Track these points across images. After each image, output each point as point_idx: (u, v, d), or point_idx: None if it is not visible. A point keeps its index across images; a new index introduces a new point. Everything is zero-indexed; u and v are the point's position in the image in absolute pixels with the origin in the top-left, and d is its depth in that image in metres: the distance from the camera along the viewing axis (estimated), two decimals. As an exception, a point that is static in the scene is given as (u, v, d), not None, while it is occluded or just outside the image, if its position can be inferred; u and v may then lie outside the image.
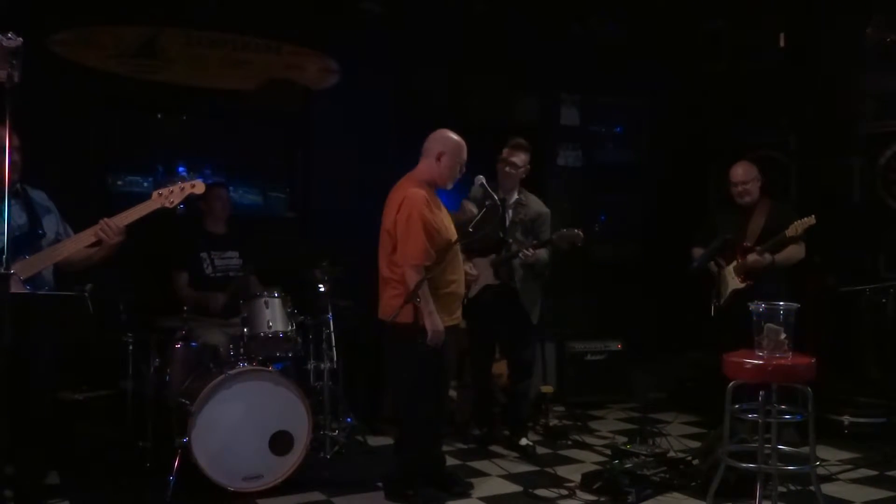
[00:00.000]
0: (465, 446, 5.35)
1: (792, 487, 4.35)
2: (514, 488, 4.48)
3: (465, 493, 4.34)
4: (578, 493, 4.36)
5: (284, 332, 4.72)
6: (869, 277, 5.78)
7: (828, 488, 4.29)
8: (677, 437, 5.33)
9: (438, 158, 4.21)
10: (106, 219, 3.74)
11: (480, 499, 4.31)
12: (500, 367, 5.58)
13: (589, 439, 5.53)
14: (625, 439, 5.30)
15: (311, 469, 4.58)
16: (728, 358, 3.77)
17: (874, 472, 4.73)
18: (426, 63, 6.53)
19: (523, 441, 5.24)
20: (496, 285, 5.17)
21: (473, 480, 4.58)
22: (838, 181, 6.38)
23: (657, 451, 4.68)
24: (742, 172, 5.34)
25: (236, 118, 6.09)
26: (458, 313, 4.34)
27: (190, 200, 3.94)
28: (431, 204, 4.15)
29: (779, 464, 3.79)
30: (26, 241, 3.70)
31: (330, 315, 5.15)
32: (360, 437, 5.28)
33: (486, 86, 6.79)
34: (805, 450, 3.82)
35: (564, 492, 4.39)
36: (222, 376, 4.29)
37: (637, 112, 7.51)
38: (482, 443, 5.37)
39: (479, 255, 5.18)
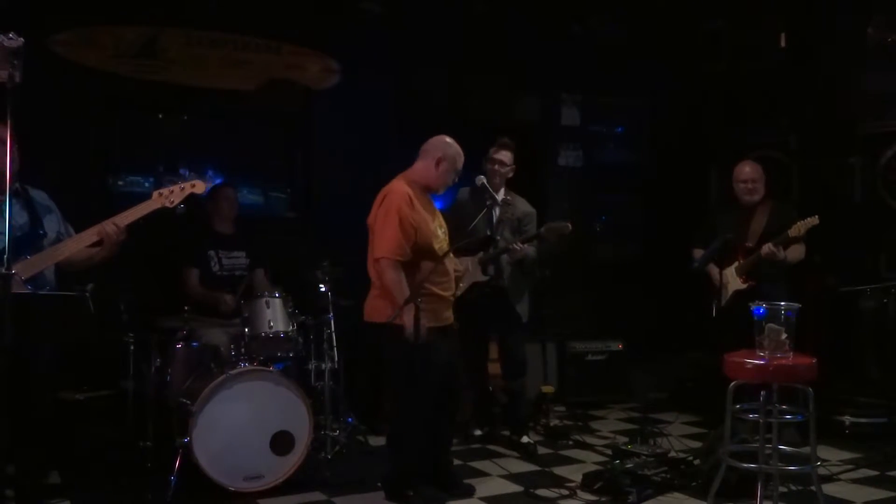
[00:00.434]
0: (466, 446, 5.35)
1: (793, 487, 4.35)
2: (514, 488, 4.48)
3: (467, 495, 4.33)
4: (579, 493, 4.36)
5: (285, 332, 4.73)
6: (870, 277, 5.78)
7: (829, 488, 4.29)
8: (678, 437, 5.33)
9: (437, 164, 4.23)
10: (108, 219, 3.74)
11: (481, 499, 4.31)
12: (499, 367, 5.59)
13: (590, 439, 5.53)
14: (625, 439, 5.30)
15: (311, 469, 4.58)
16: (729, 358, 3.77)
17: (875, 473, 4.73)
18: (427, 63, 6.53)
19: (524, 439, 5.25)
20: (484, 283, 5.19)
21: (474, 480, 4.58)
22: (839, 181, 6.38)
23: (658, 451, 4.68)
24: (750, 170, 5.35)
25: (237, 118, 6.09)
26: (447, 314, 4.31)
27: (198, 200, 3.93)
28: (415, 202, 4.14)
29: (780, 464, 3.79)
30: (27, 241, 3.70)
31: (331, 315, 5.15)
32: (360, 438, 5.28)
33: (486, 86, 6.80)
34: (806, 450, 3.82)
35: (565, 492, 4.39)
36: (223, 376, 4.29)
37: (638, 112, 7.51)
38: (483, 443, 5.37)
39: (465, 254, 5.18)
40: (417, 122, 6.27)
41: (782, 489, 4.20)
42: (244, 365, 4.42)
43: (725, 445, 3.84)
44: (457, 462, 4.99)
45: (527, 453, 5.14)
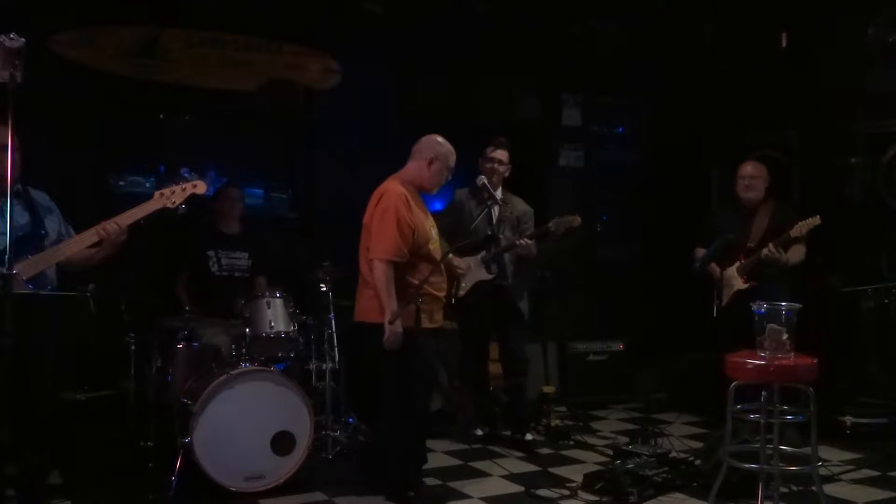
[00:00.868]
0: (467, 446, 5.34)
1: (794, 488, 4.35)
2: (515, 488, 4.48)
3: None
4: (580, 493, 4.36)
5: (286, 333, 4.73)
6: (871, 278, 5.77)
7: (830, 489, 4.28)
8: (679, 437, 5.33)
9: (430, 164, 4.24)
10: (109, 219, 3.74)
11: (482, 499, 4.31)
12: (501, 367, 5.59)
13: (591, 439, 5.53)
14: (626, 439, 5.31)
15: (312, 469, 4.57)
16: (730, 358, 3.77)
17: (876, 473, 4.72)
18: (427, 63, 6.53)
19: (528, 436, 5.25)
20: (488, 281, 5.18)
21: (475, 480, 4.59)
22: (840, 181, 6.37)
23: (659, 451, 4.68)
24: (751, 169, 5.38)
25: (238, 118, 6.09)
26: (439, 316, 4.32)
27: (203, 200, 3.93)
28: (411, 202, 4.15)
29: (781, 464, 3.79)
30: (28, 241, 3.71)
31: (332, 315, 5.15)
32: (361, 438, 5.28)
33: (487, 86, 6.79)
34: (807, 450, 3.82)
35: (566, 492, 4.39)
36: (224, 376, 4.29)
37: (639, 112, 7.50)
38: (484, 443, 5.37)
39: (467, 253, 5.18)
40: (418, 123, 6.26)
41: (783, 489, 4.19)
42: (245, 365, 4.42)
43: (726, 446, 3.83)
44: (457, 462, 5.00)
45: (530, 451, 5.14)
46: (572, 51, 6.96)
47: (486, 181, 5.06)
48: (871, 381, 5.80)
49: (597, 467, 4.76)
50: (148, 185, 5.84)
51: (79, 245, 3.75)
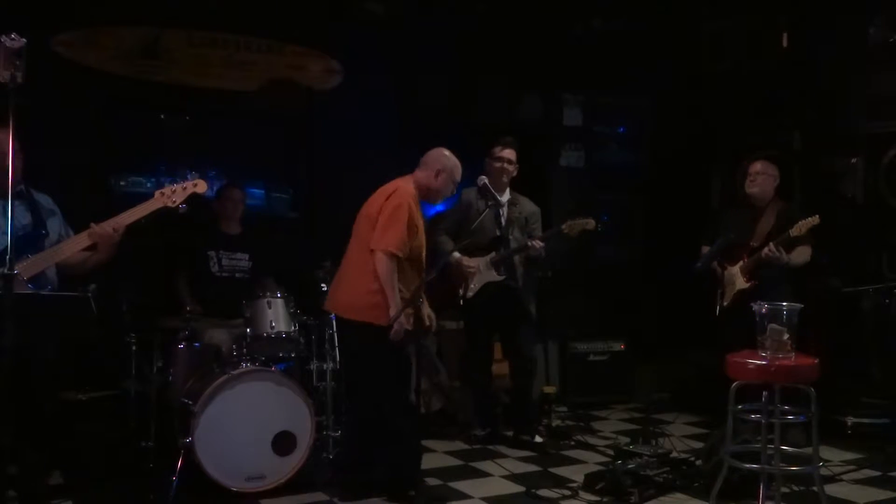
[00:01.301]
0: (468, 447, 5.34)
1: (795, 488, 4.34)
2: (516, 488, 4.48)
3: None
4: (581, 493, 4.36)
5: (287, 333, 4.73)
6: (872, 278, 5.77)
7: (831, 489, 4.28)
8: (680, 437, 5.33)
9: (437, 175, 4.28)
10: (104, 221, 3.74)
11: (483, 499, 4.31)
12: (503, 368, 5.58)
13: (592, 440, 5.53)
14: (627, 440, 5.30)
15: (313, 469, 4.57)
16: (731, 358, 3.77)
17: (877, 473, 4.72)
18: (429, 64, 6.53)
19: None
20: (498, 282, 5.18)
21: (475, 481, 4.59)
22: (841, 182, 6.37)
23: (660, 451, 4.67)
24: (760, 165, 5.34)
25: (239, 119, 6.09)
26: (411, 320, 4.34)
27: (204, 200, 3.93)
28: (416, 206, 4.22)
29: (782, 464, 3.79)
30: (29, 240, 3.71)
31: (333, 315, 5.15)
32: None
33: (488, 86, 6.79)
34: (808, 450, 3.81)
35: (567, 492, 4.38)
36: (225, 376, 4.29)
37: (640, 112, 7.50)
38: (484, 443, 5.37)
39: (476, 254, 5.18)
40: (419, 123, 6.29)
41: (784, 490, 4.19)
42: (246, 365, 4.42)
43: (727, 446, 3.83)
44: (458, 462, 5.00)
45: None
46: (573, 51, 6.95)
47: (486, 182, 5.06)
48: (872, 382, 5.80)
49: (598, 467, 4.75)
50: (149, 184, 5.84)
51: (75, 246, 3.75)
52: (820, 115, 6.52)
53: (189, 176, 3.97)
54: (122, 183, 5.83)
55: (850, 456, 5.05)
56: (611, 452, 5.03)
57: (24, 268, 3.55)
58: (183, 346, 4.71)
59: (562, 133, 7.21)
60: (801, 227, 4.87)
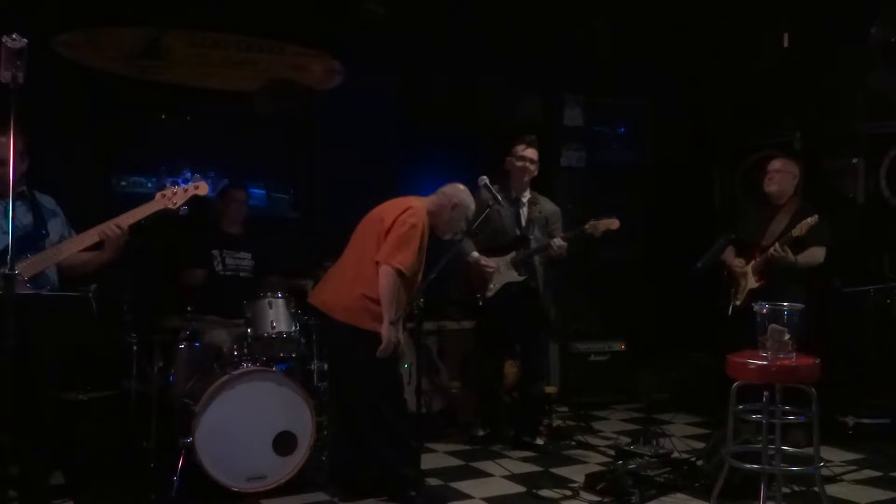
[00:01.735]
0: (469, 447, 5.34)
1: (796, 488, 4.34)
2: (517, 489, 4.48)
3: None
4: (582, 493, 4.36)
5: (288, 333, 4.73)
6: (873, 278, 5.77)
7: (832, 489, 4.28)
8: (681, 437, 5.33)
9: (453, 207, 4.30)
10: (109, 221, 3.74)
11: (484, 499, 4.31)
12: (507, 368, 5.58)
13: (592, 440, 5.52)
14: (628, 440, 5.30)
15: (314, 470, 4.56)
16: (732, 358, 3.77)
17: (878, 474, 4.72)
18: (429, 64, 6.53)
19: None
20: (519, 283, 5.16)
21: (476, 481, 4.59)
22: (842, 182, 6.36)
23: (661, 451, 4.68)
24: (779, 163, 5.29)
25: (240, 119, 6.09)
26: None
27: (206, 200, 3.93)
28: (427, 230, 4.22)
29: (783, 465, 3.79)
30: (30, 240, 3.71)
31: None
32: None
33: (489, 86, 6.79)
34: (809, 451, 3.82)
35: (568, 492, 4.39)
36: (226, 377, 4.29)
37: (641, 112, 7.50)
38: (485, 443, 5.36)
39: (495, 254, 5.15)
40: (420, 123, 6.29)
41: (785, 490, 4.19)
42: (247, 365, 4.42)
43: (728, 446, 3.83)
44: (459, 462, 5.00)
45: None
46: (574, 51, 6.95)
47: (487, 182, 5.05)
48: (873, 382, 5.79)
49: (598, 467, 4.76)
50: (150, 185, 5.85)
51: (78, 245, 3.75)
52: (820, 115, 6.51)
53: (191, 178, 3.97)
54: (122, 183, 5.84)
55: (851, 456, 5.05)
56: (611, 452, 5.04)
57: (25, 268, 3.55)
58: (184, 346, 4.72)
59: (562, 133, 7.21)
60: (802, 227, 4.85)
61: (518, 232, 5.20)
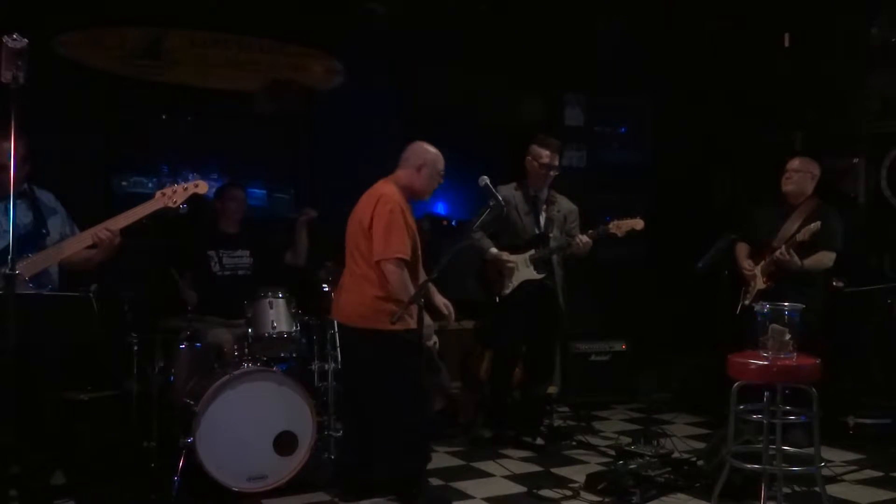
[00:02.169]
0: (470, 447, 5.34)
1: (797, 488, 4.34)
2: (518, 489, 4.48)
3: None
4: (582, 493, 4.35)
5: (289, 333, 4.73)
6: (874, 278, 5.76)
7: (833, 489, 4.29)
8: (682, 437, 5.32)
9: (419, 170, 4.24)
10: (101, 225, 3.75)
11: (485, 499, 4.31)
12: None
13: (593, 440, 5.52)
14: (629, 440, 5.31)
15: (315, 470, 4.57)
16: (733, 358, 3.77)
17: (879, 474, 4.72)
18: (430, 63, 6.53)
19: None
20: (537, 281, 5.15)
21: (477, 481, 4.59)
22: (843, 181, 6.36)
23: (662, 451, 4.69)
24: (798, 162, 5.25)
25: (240, 119, 6.09)
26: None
27: (205, 200, 3.93)
28: (406, 208, 4.17)
29: (784, 465, 3.78)
30: (30, 240, 3.72)
31: (335, 321, 5.14)
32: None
33: (490, 86, 6.79)
34: (810, 451, 3.81)
35: (568, 492, 4.38)
36: (227, 377, 4.29)
37: (641, 112, 7.50)
38: (486, 443, 5.35)
39: (514, 251, 5.14)
40: (421, 123, 6.28)
41: (786, 490, 4.18)
42: (248, 365, 4.42)
43: (729, 446, 3.83)
44: (460, 462, 5.00)
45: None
46: (574, 51, 6.95)
47: (487, 182, 5.04)
48: (874, 382, 5.79)
49: (599, 468, 4.76)
50: (150, 185, 5.85)
51: (77, 245, 3.76)
52: (821, 115, 6.52)
53: (191, 177, 3.98)
54: (123, 183, 5.85)
55: (851, 456, 5.05)
56: (612, 453, 5.04)
57: (25, 267, 3.55)
58: (184, 346, 4.71)
59: (563, 133, 7.20)
60: (805, 232, 4.83)
61: (537, 231, 5.20)
